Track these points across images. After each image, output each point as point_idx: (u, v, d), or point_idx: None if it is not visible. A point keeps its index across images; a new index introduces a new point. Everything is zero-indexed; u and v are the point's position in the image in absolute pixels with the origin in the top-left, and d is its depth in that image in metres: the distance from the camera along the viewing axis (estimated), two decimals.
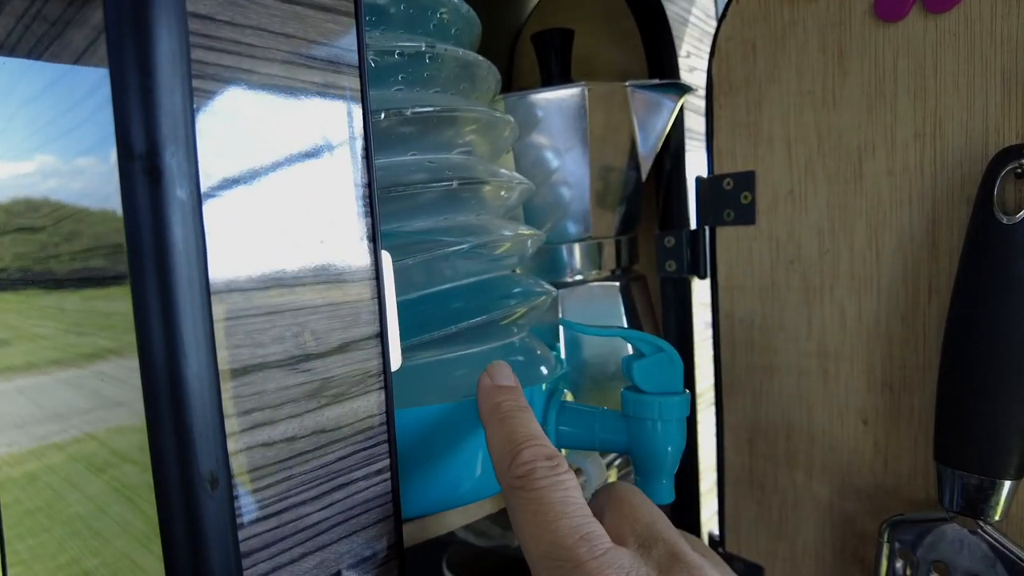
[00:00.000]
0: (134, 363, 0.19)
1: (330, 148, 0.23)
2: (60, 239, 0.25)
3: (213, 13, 0.20)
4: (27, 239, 0.28)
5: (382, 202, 0.28)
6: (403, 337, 0.28)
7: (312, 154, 0.22)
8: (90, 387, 0.24)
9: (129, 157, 0.18)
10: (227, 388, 0.20)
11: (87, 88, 0.21)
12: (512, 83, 0.57)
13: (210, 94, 0.20)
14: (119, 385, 0.21)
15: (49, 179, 0.25)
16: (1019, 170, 0.27)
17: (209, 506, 0.20)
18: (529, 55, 0.47)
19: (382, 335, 0.24)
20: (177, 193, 0.19)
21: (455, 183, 0.28)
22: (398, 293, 0.27)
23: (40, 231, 0.27)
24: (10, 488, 0.39)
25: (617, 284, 0.44)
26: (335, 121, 0.23)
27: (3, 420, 0.39)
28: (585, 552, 0.19)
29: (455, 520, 0.31)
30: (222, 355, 0.20)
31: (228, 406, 0.20)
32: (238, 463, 0.20)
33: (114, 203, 0.21)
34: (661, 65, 0.44)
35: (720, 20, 0.40)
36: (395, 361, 0.25)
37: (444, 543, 0.52)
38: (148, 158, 0.18)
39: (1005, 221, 0.27)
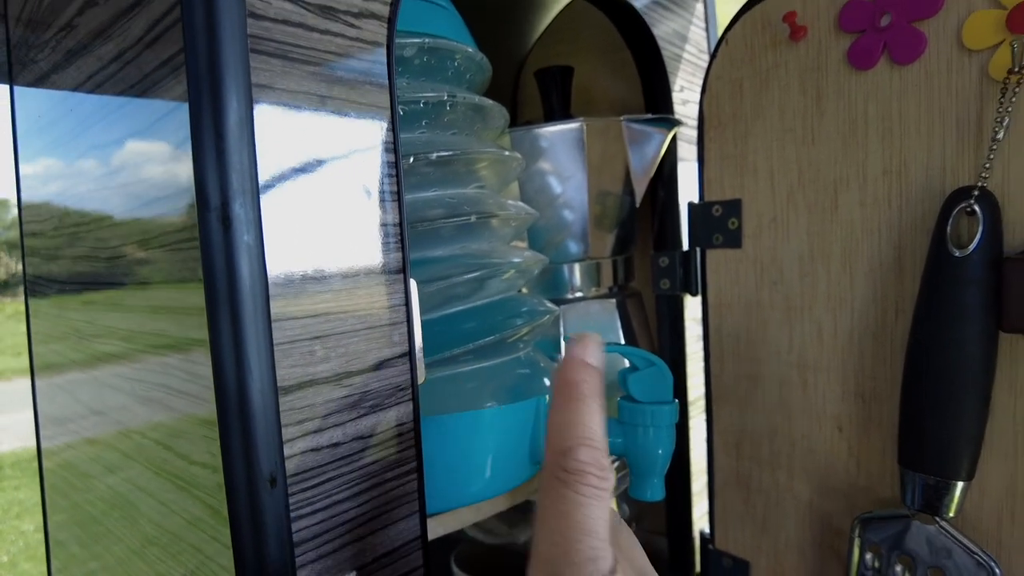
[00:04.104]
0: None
1: (368, 194, 0.26)
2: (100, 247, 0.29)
3: (272, 83, 0.24)
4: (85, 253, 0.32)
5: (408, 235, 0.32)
6: (424, 354, 0.31)
7: (353, 200, 0.26)
8: (154, 393, 0.28)
9: (206, 208, 0.22)
10: (284, 402, 0.23)
11: (168, 145, 0.24)
12: (517, 108, 0.61)
13: (269, 152, 0.23)
14: (189, 384, 0.25)
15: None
16: (968, 209, 0.31)
17: (268, 502, 0.23)
18: (533, 84, 0.50)
19: (411, 353, 0.28)
20: (245, 238, 0.22)
21: (473, 217, 0.32)
22: (421, 314, 0.30)
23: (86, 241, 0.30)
24: (55, 481, 0.42)
25: (614, 301, 0.47)
26: (373, 170, 0.26)
27: (47, 416, 0.43)
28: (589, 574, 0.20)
29: (468, 516, 0.35)
30: (280, 374, 0.23)
31: (284, 417, 0.23)
32: (292, 465, 0.24)
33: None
34: (656, 99, 0.48)
35: (711, 60, 0.44)
36: (420, 375, 0.29)
37: (453, 541, 0.55)
38: (222, 209, 0.22)
39: (957, 254, 0.31)
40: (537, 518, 0.22)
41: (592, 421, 0.23)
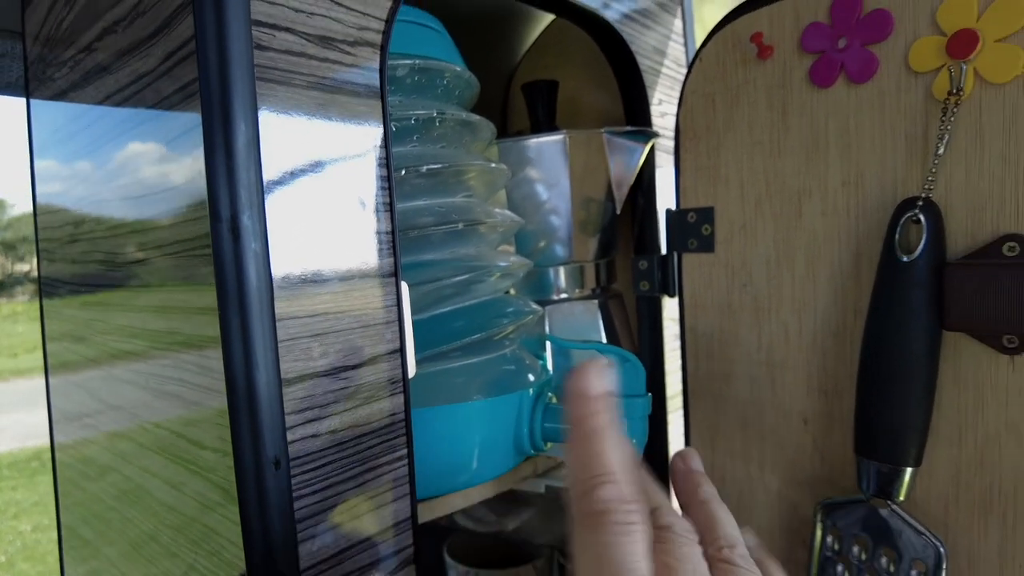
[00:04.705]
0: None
1: (363, 204, 0.29)
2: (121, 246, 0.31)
3: (276, 106, 0.26)
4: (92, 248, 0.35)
5: (399, 241, 0.34)
6: (416, 351, 0.34)
7: (350, 210, 0.28)
8: (163, 386, 0.30)
9: (217, 219, 0.25)
10: (287, 393, 0.26)
11: (183, 161, 0.27)
12: (507, 118, 0.63)
13: (273, 168, 0.26)
14: (201, 378, 0.28)
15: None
16: (915, 218, 0.34)
17: (273, 483, 0.26)
18: (522, 96, 0.53)
19: (402, 350, 0.30)
20: (252, 246, 0.25)
21: (460, 225, 0.35)
22: (412, 314, 0.33)
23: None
24: (69, 473, 0.45)
25: (597, 302, 0.50)
26: (367, 183, 0.29)
27: (61, 412, 0.45)
28: None
29: (457, 502, 0.37)
30: (284, 367, 0.26)
31: (287, 406, 0.26)
32: (294, 450, 0.26)
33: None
34: (635, 111, 0.51)
35: (686, 75, 0.46)
36: (411, 370, 0.31)
37: (446, 531, 0.58)
38: (232, 220, 0.25)
39: (904, 259, 0.34)
40: (574, 566, 0.21)
41: (605, 455, 0.22)
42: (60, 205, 0.41)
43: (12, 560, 2.76)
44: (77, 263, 0.39)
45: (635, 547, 0.21)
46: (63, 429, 0.45)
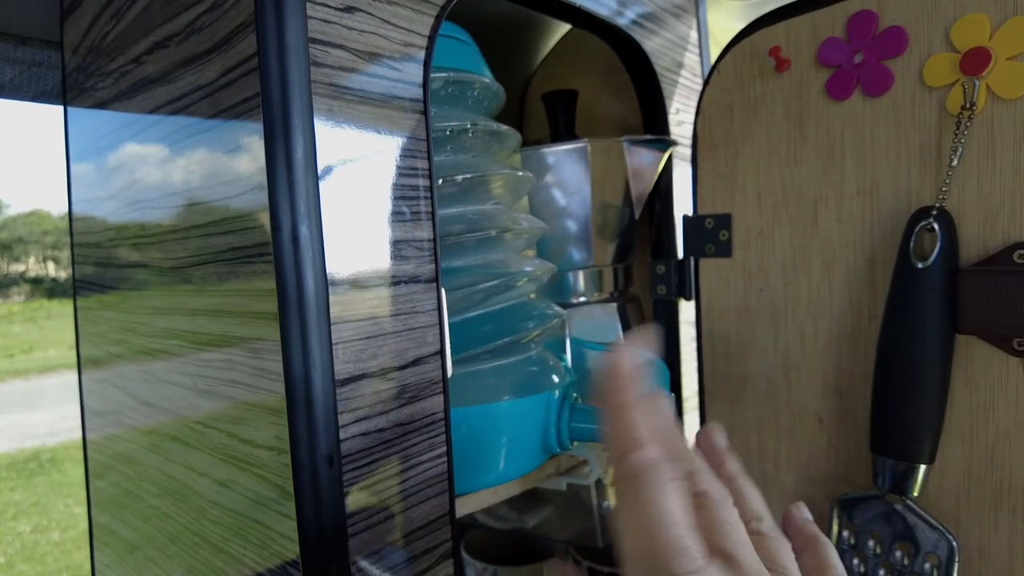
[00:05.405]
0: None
1: (407, 213, 0.30)
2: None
3: (330, 120, 0.28)
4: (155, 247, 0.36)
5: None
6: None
7: (396, 219, 0.30)
8: (216, 386, 0.32)
9: (279, 229, 0.26)
10: (340, 392, 0.27)
11: (238, 171, 0.28)
12: (523, 125, 0.65)
13: (328, 179, 0.27)
14: (257, 379, 0.29)
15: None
16: (929, 226, 0.35)
17: (327, 478, 0.27)
18: (538, 103, 0.55)
19: (442, 352, 0.32)
20: (310, 255, 0.26)
21: (493, 231, 0.36)
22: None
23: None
24: (100, 470, 0.46)
25: (615, 305, 0.51)
26: (411, 192, 0.31)
27: (94, 411, 0.47)
28: (678, 566, 0.20)
29: (486, 499, 0.39)
30: (337, 368, 0.27)
31: (340, 405, 0.27)
32: (345, 447, 0.28)
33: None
34: (653, 120, 0.52)
35: (704, 86, 0.48)
36: (449, 371, 0.33)
37: (463, 527, 0.59)
38: (292, 230, 0.26)
39: (919, 266, 0.35)
40: (618, 523, 0.23)
41: (635, 424, 0.23)
42: (100, 210, 0.42)
43: (11, 561, 2.77)
44: (118, 267, 0.40)
45: (667, 499, 0.22)
46: (96, 427, 0.46)
